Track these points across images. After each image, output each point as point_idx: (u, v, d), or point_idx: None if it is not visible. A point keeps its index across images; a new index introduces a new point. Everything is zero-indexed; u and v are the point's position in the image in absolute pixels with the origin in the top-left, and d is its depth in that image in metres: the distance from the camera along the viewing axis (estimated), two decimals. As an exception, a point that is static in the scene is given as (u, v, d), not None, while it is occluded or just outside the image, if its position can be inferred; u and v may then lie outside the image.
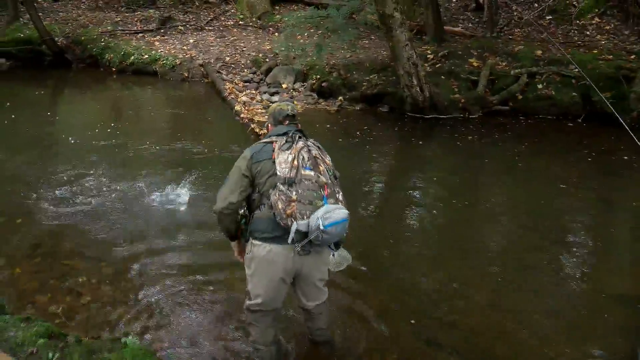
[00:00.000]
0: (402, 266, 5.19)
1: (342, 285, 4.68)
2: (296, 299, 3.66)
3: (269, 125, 3.64)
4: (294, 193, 3.14)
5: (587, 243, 5.83)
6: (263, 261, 3.29)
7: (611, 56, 10.49)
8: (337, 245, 3.34)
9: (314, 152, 3.34)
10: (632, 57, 10.19)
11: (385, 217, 6.44)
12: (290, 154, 3.26)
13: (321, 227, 3.03)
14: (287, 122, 3.55)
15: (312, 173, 3.23)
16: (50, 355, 2.78)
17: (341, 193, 3.31)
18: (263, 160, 3.32)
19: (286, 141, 3.33)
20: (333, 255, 3.33)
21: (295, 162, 3.22)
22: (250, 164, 3.33)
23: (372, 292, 4.71)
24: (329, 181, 3.26)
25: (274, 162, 3.27)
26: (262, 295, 3.38)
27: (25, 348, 2.85)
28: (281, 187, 3.16)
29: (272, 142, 3.38)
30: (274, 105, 3.72)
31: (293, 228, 3.09)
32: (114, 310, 4.34)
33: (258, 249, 3.29)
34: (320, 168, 3.28)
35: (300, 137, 3.39)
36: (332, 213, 3.09)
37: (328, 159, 3.40)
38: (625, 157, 7.79)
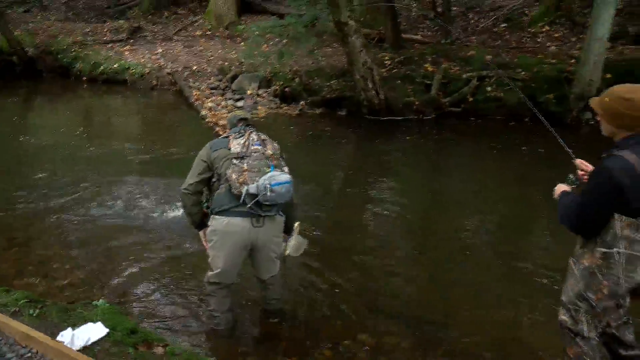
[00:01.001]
0: (352, 248, 5.72)
1: (300, 263, 5.22)
2: (253, 271, 4.19)
3: (227, 130, 4.23)
4: (245, 164, 3.74)
5: (519, 226, 6.42)
6: (222, 233, 3.79)
7: (554, 60, 11.23)
8: (288, 221, 3.98)
9: (263, 136, 3.97)
10: (573, 61, 10.92)
11: (342, 208, 6.98)
12: (242, 138, 3.89)
13: (268, 186, 3.60)
14: (240, 124, 4.11)
15: (260, 147, 3.84)
16: (31, 312, 3.25)
17: (287, 168, 3.89)
18: (220, 148, 3.91)
19: (239, 132, 3.95)
20: (290, 240, 3.94)
21: (246, 142, 3.85)
22: (209, 152, 3.93)
23: (326, 270, 5.23)
24: (276, 154, 3.87)
25: (229, 149, 3.84)
26: (221, 266, 3.88)
27: (9, 308, 3.32)
28: (234, 161, 3.76)
29: (228, 137, 3.99)
30: (230, 114, 4.41)
31: (244, 191, 3.64)
32: (87, 290, 4.79)
33: (217, 222, 3.79)
34: (268, 146, 3.88)
35: (251, 130, 3.99)
36: (277, 176, 3.68)
37: (276, 145, 3.98)
38: (562, 153, 8.44)
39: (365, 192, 7.38)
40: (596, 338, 3.33)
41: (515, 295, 4.80)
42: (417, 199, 7.17)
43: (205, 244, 4.09)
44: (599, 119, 3.08)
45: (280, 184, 3.67)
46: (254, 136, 3.93)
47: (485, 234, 6.12)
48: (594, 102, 3.09)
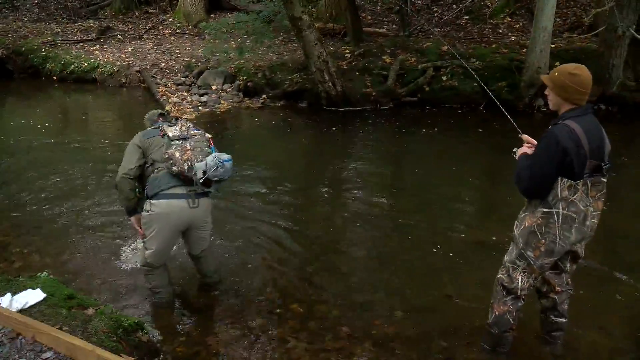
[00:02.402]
0: (303, 227, 6.12)
1: (247, 239, 5.69)
2: (185, 247, 4.54)
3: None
4: (188, 145, 4.10)
5: (461, 207, 6.81)
6: (161, 215, 4.07)
7: (507, 50, 11.67)
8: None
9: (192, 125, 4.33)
10: (524, 50, 11.35)
11: (299, 192, 7.34)
12: (177, 125, 4.24)
13: (219, 162, 4.00)
14: (160, 119, 4.49)
15: (199, 131, 4.24)
16: (-25, 281, 3.59)
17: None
18: (153, 136, 4.26)
19: (170, 122, 4.35)
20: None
21: (184, 127, 4.21)
22: (142, 139, 4.26)
23: (271, 246, 5.65)
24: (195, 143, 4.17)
25: (163, 136, 4.17)
26: (155, 247, 4.19)
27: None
28: (177, 142, 4.11)
29: (158, 127, 4.33)
30: (148, 113, 4.72)
31: (186, 167, 4.01)
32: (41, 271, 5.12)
33: (154, 205, 4.07)
34: (193, 132, 4.24)
35: (181, 120, 4.36)
36: (221, 155, 4.08)
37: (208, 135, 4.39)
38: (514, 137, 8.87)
39: (322, 177, 7.73)
40: (523, 301, 3.72)
41: (440, 267, 5.20)
42: (371, 182, 7.52)
43: (139, 229, 4.34)
44: (547, 92, 3.44)
45: (227, 160, 4.05)
46: (189, 123, 4.30)
47: (423, 212, 6.48)
48: (544, 77, 3.47)
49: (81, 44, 15.99)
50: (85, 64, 14.23)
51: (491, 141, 8.99)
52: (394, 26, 15.50)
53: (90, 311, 3.39)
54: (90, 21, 17.99)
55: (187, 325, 4.35)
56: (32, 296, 3.47)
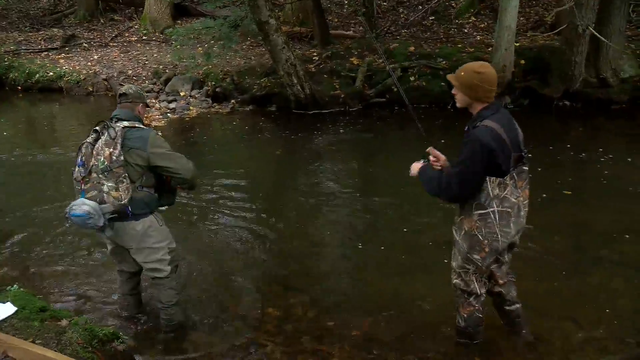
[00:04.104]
0: (275, 233, 6.08)
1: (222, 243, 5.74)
2: None
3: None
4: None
5: (434, 204, 6.86)
6: None
7: (472, 49, 11.84)
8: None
9: (92, 148, 3.79)
10: (489, 49, 11.53)
11: (270, 197, 7.36)
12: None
13: (67, 215, 3.67)
14: (121, 101, 4.02)
15: (77, 169, 3.80)
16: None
17: (111, 184, 3.69)
18: None
19: (93, 130, 3.87)
20: None
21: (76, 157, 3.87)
22: None
23: (246, 252, 5.68)
24: (90, 176, 3.74)
25: None
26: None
27: None
28: None
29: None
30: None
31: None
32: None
33: None
34: (91, 162, 3.74)
35: (105, 127, 3.80)
36: (76, 206, 3.63)
37: (112, 151, 3.69)
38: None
39: (293, 180, 7.75)
40: (484, 294, 3.79)
41: (415, 266, 5.26)
42: (344, 184, 7.54)
43: None
44: (454, 92, 3.46)
45: (75, 215, 3.62)
46: (83, 149, 3.83)
47: (397, 212, 6.52)
48: (450, 76, 3.49)
49: (46, 52, 15.76)
50: (51, 73, 14.03)
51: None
52: (361, 28, 15.58)
53: (64, 322, 3.35)
54: (55, 29, 17.73)
55: (163, 333, 4.31)
56: (2, 310, 3.41)
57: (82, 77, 13.74)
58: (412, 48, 12.13)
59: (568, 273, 5.02)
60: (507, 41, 10.15)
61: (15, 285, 3.94)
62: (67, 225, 3.82)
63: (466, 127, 3.51)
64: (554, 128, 10.08)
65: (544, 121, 10.28)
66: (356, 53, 12.28)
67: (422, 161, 3.80)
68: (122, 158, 3.69)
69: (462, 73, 3.37)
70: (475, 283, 3.70)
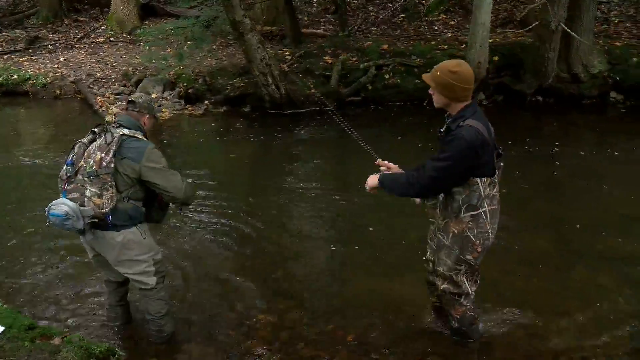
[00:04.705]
0: (257, 235, 6.01)
1: (204, 249, 5.63)
2: None
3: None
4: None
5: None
6: None
7: (446, 46, 11.88)
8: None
9: (85, 149, 3.68)
10: (463, 46, 11.57)
11: (248, 197, 7.26)
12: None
13: (46, 213, 3.56)
14: (128, 108, 3.96)
15: (64, 167, 3.70)
16: None
17: (95, 190, 3.56)
18: None
19: (90, 131, 3.78)
20: None
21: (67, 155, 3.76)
22: None
23: (231, 257, 5.59)
24: (75, 177, 3.63)
25: None
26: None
27: None
28: None
29: None
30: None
31: None
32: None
33: None
34: (80, 164, 3.64)
35: (104, 130, 3.70)
36: (55, 206, 3.53)
37: (103, 157, 3.56)
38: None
39: (270, 181, 7.62)
40: (474, 292, 3.77)
41: (403, 265, 5.22)
42: (321, 184, 7.48)
43: None
44: (431, 92, 3.43)
45: (54, 215, 3.52)
46: (76, 149, 3.74)
47: (379, 211, 6.47)
48: (426, 76, 3.45)
49: (8, 55, 15.31)
50: (15, 76, 13.58)
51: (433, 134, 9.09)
52: (331, 26, 15.53)
53: (57, 341, 3.22)
54: (17, 31, 17.23)
55: (155, 345, 4.18)
56: (-11, 330, 3.27)
57: (48, 80, 13.32)
58: (385, 46, 12.11)
59: (557, 267, 5.09)
60: (482, 38, 10.18)
61: (-2, 303, 3.80)
62: (47, 224, 3.62)
63: (444, 127, 3.48)
64: (528, 124, 10.19)
65: (518, 117, 10.39)
66: (329, 51, 12.22)
67: (375, 174, 3.77)
68: (112, 166, 3.56)
69: (438, 73, 3.33)
70: (466, 282, 3.70)
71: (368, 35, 14.07)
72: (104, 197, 3.57)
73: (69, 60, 14.75)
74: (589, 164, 7.73)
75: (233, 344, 4.18)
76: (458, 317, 3.82)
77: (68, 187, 3.64)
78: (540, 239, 5.65)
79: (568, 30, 9.84)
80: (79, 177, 3.62)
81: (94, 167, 3.57)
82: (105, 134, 3.64)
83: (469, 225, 3.48)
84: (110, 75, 13.37)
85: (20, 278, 5.15)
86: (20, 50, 15.57)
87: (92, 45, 16.11)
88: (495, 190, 3.46)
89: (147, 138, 3.87)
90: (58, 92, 13.07)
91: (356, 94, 11.12)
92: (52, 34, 17.27)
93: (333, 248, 5.75)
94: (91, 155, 3.60)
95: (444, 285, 3.73)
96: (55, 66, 14.31)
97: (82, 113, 11.73)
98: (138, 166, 3.65)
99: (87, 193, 3.58)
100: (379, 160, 3.79)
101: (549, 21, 9.77)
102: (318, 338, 4.22)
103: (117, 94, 12.23)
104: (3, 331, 3.26)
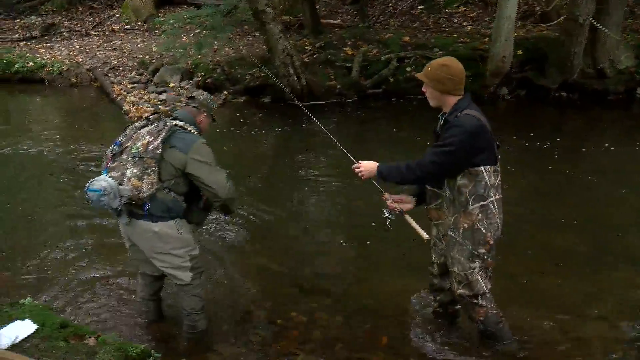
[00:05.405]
0: (281, 230, 5.91)
1: (229, 247, 5.47)
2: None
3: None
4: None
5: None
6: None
7: (469, 39, 11.68)
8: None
9: (135, 132, 3.69)
10: (486, 39, 11.38)
11: (271, 189, 7.18)
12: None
13: (85, 189, 3.52)
14: (187, 103, 3.95)
15: (112, 146, 3.67)
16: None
17: (136, 171, 3.51)
18: None
19: (145, 118, 3.84)
20: None
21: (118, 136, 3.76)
22: None
23: (256, 253, 5.46)
24: (120, 156, 3.60)
25: None
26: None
27: None
28: None
29: None
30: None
31: None
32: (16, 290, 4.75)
33: None
34: (127, 144, 3.62)
35: (158, 119, 3.70)
36: (95, 181, 3.49)
37: (150, 141, 3.54)
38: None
39: (293, 173, 7.53)
40: (490, 289, 3.64)
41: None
42: (344, 178, 7.34)
43: None
44: (424, 89, 3.52)
45: (91, 190, 3.48)
46: (127, 132, 3.75)
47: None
48: (419, 74, 3.54)
49: (24, 41, 15.22)
50: (31, 63, 13.52)
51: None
52: (349, 17, 15.36)
53: (92, 341, 3.09)
54: (33, 17, 17.14)
55: (185, 345, 4.05)
56: (23, 329, 3.14)
57: (64, 67, 13.26)
58: (406, 38, 11.93)
59: (593, 270, 4.93)
60: (507, 31, 9.97)
61: (28, 298, 3.68)
62: (87, 197, 3.54)
63: (440, 122, 3.53)
64: (552, 119, 10.01)
65: (541, 112, 10.22)
66: (349, 43, 12.05)
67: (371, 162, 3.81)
68: (158, 152, 3.50)
69: (430, 68, 3.46)
70: (481, 281, 3.60)
71: (387, 27, 13.88)
72: (143, 180, 3.51)
73: (84, 48, 14.68)
74: (614, 161, 7.56)
75: (265, 344, 4.05)
76: (482, 319, 3.70)
77: (111, 165, 3.61)
78: (577, 240, 5.49)
79: (597, 24, 9.63)
80: (124, 156, 3.59)
81: (140, 149, 3.53)
82: (158, 122, 3.64)
83: (479, 217, 3.44)
84: (127, 64, 13.27)
85: (46, 273, 5.03)
86: (35, 37, 15.51)
87: (107, 33, 16.02)
88: (499, 179, 3.46)
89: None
90: (74, 79, 13.02)
91: (377, 86, 10.94)
92: (67, 21, 17.20)
93: (356, 244, 5.61)
94: (140, 137, 3.59)
95: (461, 290, 3.64)
96: (71, 53, 14.23)
97: (99, 101, 11.65)
98: (185, 157, 3.56)
99: (128, 173, 3.53)
100: (386, 195, 3.81)
101: (577, 15, 9.56)
102: (353, 339, 4.08)
103: (134, 83, 12.13)
104: (37, 329, 3.15)
